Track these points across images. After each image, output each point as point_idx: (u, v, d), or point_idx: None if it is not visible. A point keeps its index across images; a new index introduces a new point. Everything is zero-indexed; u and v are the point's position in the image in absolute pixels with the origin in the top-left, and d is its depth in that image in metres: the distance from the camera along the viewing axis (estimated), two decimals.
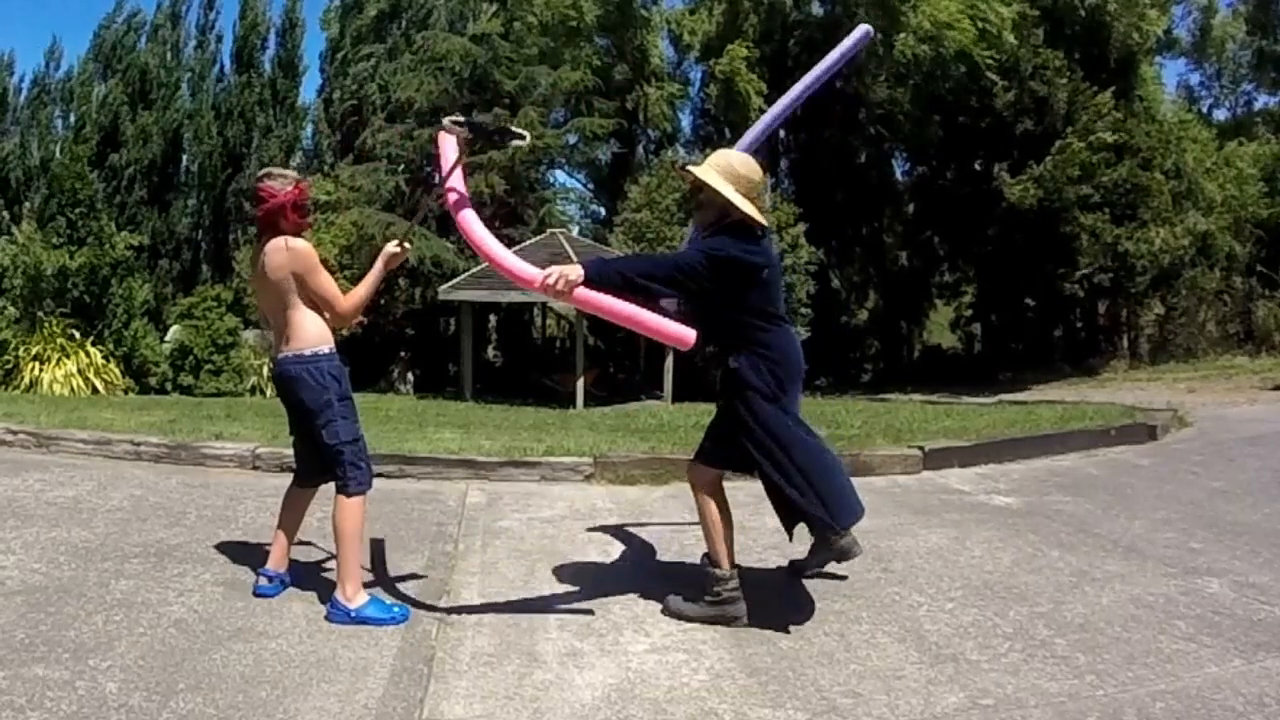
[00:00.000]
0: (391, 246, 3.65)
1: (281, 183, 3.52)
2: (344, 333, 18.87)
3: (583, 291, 3.19)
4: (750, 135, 4.37)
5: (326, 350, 3.48)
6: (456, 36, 21.23)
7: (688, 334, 3.25)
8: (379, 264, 3.62)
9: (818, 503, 3.35)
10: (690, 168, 3.52)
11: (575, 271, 3.19)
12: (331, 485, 3.53)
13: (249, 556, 4.10)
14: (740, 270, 3.33)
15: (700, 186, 3.45)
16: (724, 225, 3.42)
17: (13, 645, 3.04)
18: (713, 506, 3.51)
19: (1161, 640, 3.22)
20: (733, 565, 3.49)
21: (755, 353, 3.38)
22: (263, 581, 3.65)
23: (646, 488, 5.81)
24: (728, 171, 3.43)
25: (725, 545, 3.48)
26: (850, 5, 21.28)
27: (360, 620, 3.35)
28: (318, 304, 3.50)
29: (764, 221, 3.48)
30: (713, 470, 3.57)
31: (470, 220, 3.47)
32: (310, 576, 3.86)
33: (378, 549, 4.32)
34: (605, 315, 3.29)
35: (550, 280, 3.16)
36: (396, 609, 3.46)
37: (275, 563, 3.71)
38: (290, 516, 3.75)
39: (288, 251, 3.44)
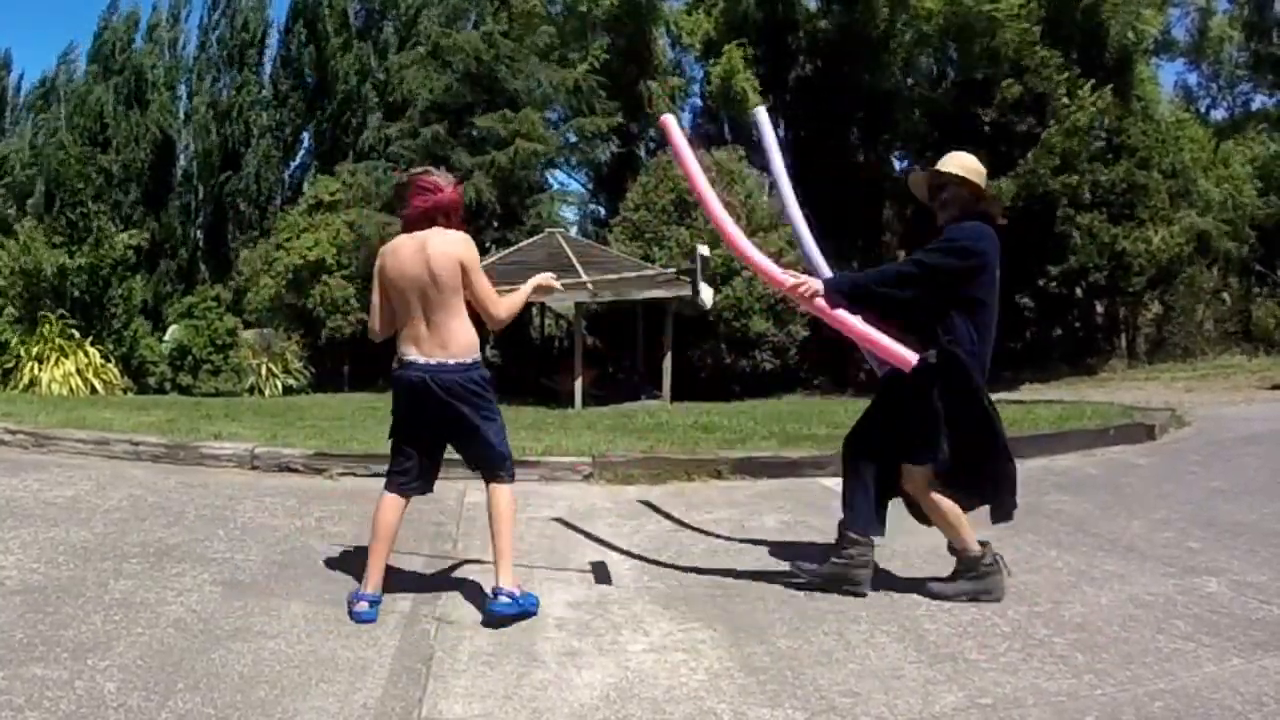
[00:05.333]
0: (547, 278, 3.69)
1: (443, 179, 3.46)
2: (346, 332, 18.90)
3: (822, 303, 3.51)
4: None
5: (479, 358, 3.49)
6: (463, 32, 21.22)
7: (913, 358, 3.50)
8: (530, 285, 3.63)
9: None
10: (939, 167, 3.73)
11: (816, 284, 3.52)
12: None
13: (248, 556, 4.11)
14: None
15: (943, 185, 3.69)
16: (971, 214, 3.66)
17: (11, 645, 3.04)
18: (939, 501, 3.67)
19: (1160, 639, 3.23)
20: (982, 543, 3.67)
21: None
22: (362, 606, 3.38)
23: (645, 487, 5.81)
24: (969, 169, 3.66)
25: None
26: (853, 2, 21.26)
27: (523, 611, 3.41)
28: (473, 306, 3.44)
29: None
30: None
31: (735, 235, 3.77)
32: (310, 575, 3.87)
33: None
34: (841, 329, 3.55)
35: (801, 289, 3.53)
36: (526, 599, 3.49)
37: (374, 585, 3.46)
38: (392, 532, 3.53)
39: (464, 241, 3.39)
